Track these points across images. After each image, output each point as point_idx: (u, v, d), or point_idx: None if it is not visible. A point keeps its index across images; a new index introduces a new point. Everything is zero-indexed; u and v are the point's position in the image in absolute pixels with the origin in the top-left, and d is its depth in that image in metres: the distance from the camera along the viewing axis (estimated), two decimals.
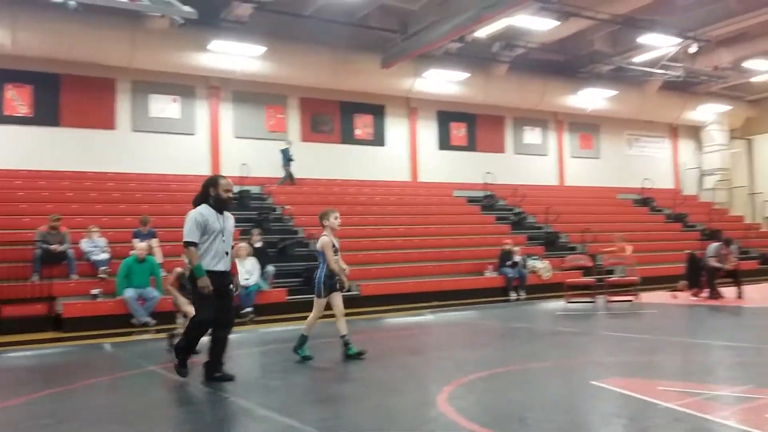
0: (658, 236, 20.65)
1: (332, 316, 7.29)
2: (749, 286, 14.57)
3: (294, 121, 18.91)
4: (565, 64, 21.00)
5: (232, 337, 9.44)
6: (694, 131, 26.77)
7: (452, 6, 15.85)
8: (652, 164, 25.76)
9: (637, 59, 20.39)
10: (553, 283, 15.23)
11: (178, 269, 8.12)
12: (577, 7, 16.18)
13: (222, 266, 6.08)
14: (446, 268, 15.63)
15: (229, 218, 6.28)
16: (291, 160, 17.92)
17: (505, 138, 22.58)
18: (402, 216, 17.67)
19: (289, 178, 17.90)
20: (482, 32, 16.93)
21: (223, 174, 17.75)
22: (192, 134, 17.50)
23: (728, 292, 13.49)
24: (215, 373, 6.12)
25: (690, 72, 21.05)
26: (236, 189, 16.40)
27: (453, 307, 13.43)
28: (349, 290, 7.22)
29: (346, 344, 7.28)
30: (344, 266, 7.30)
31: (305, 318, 7.41)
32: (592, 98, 22.32)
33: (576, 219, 19.53)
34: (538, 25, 16.68)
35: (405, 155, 20.65)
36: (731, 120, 26.30)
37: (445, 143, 21.33)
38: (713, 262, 13.54)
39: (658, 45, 18.84)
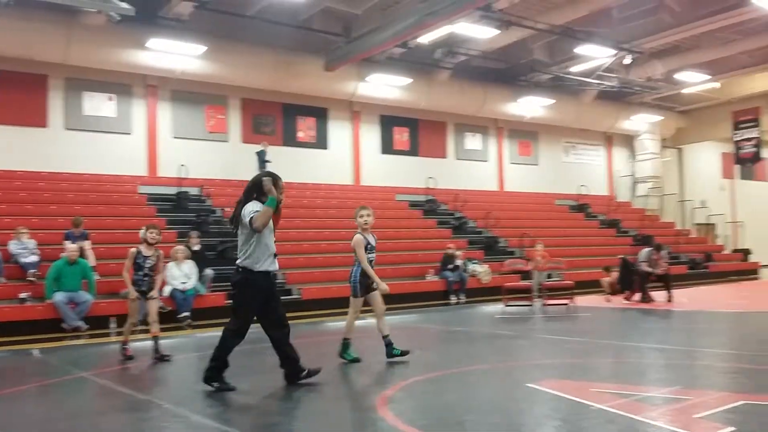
0: (593, 241, 21.23)
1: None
2: (679, 290, 15.13)
3: (235, 122, 18.64)
4: (505, 71, 21.41)
5: (169, 342, 9.24)
6: (628, 140, 27.68)
7: (395, 11, 15.95)
8: (588, 171, 26.50)
9: (574, 69, 20.94)
10: (493, 287, 15.45)
11: (133, 249, 7.82)
12: (517, 17, 16.50)
13: (274, 266, 5.95)
14: (388, 272, 15.59)
15: None
16: (267, 161, 17.38)
17: (447, 143, 22.83)
18: (344, 219, 17.58)
19: None
20: (425, 38, 17.06)
21: (160, 175, 17.43)
22: (128, 133, 17.01)
23: (659, 295, 13.98)
24: (300, 373, 5.95)
25: (624, 82, 21.75)
26: (174, 191, 16.37)
27: (394, 310, 13.41)
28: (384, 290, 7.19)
29: (388, 345, 7.25)
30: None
31: None
32: (531, 106, 22.82)
33: (515, 224, 19.90)
34: (479, 33, 16.94)
35: (348, 159, 20.63)
36: (663, 129, 27.31)
37: (387, 147, 21.42)
38: (645, 267, 14.01)
39: (594, 56, 19.38)
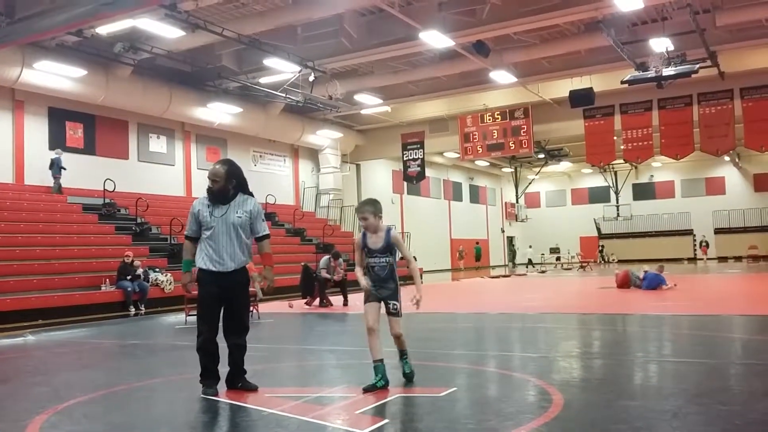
0: (279, 249, 21.77)
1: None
2: (354, 295, 16.23)
3: None
4: (193, 75, 20.89)
5: None
6: (313, 153, 29.16)
7: None
8: (276, 181, 27.24)
9: (262, 80, 21.33)
10: (176, 296, 14.90)
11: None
12: (204, 21, 16.21)
13: (215, 266, 5.45)
14: (54, 283, 14.08)
15: (240, 205, 5.68)
16: (63, 168, 18.17)
17: (129, 144, 21.46)
18: (0, 223, 15.40)
19: (57, 187, 18.14)
20: (104, 29, 15.78)
21: None
22: None
23: (337, 300, 14.85)
24: (237, 383, 5.66)
25: (309, 99, 22.82)
26: None
27: (61, 325, 12.16)
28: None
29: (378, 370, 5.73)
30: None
31: None
32: (220, 112, 22.64)
33: None
34: (165, 31, 16.23)
35: (8, 153, 18.12)
36: (344, 146, 29.36)
37: (58, 143, 19.29)
38: (324, 274, 14.79)
39: (281, 69, 19.93)
